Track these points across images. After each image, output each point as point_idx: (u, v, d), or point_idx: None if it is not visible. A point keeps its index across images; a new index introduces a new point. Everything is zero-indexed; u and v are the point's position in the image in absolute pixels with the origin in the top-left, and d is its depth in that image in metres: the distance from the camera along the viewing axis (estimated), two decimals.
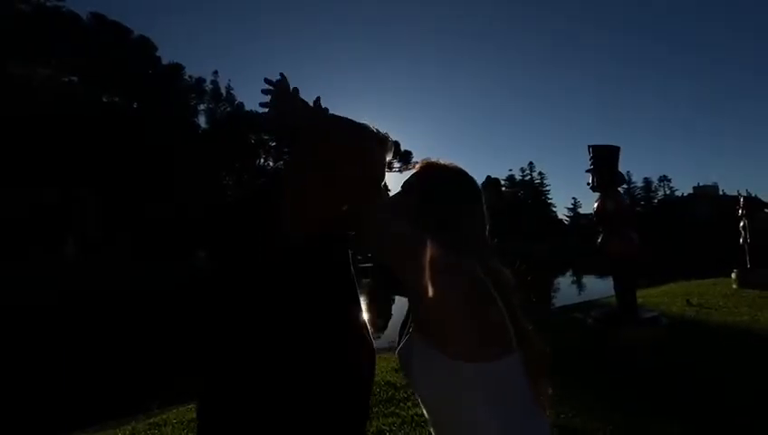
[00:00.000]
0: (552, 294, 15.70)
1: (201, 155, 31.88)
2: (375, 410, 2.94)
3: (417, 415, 2.78)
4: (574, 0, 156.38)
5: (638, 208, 63.45)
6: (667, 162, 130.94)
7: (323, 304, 0.84)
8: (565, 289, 17.59)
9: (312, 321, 0.81)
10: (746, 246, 8.96)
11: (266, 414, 0.78)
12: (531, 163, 72.29)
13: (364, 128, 0.87)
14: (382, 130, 0.89)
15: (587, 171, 4.64)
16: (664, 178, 71.96)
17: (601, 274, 14.61)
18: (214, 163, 33.57)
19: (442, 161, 0.93)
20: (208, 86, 42.09)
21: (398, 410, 2.93)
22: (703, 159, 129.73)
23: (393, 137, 0.94)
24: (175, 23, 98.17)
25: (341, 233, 0.91)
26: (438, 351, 0.75)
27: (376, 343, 0.93)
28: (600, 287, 12.83)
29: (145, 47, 34.63)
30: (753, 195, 9.69)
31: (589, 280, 19.12)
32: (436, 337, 0.76)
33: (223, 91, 43.30)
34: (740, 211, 9.36)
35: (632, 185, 68.10)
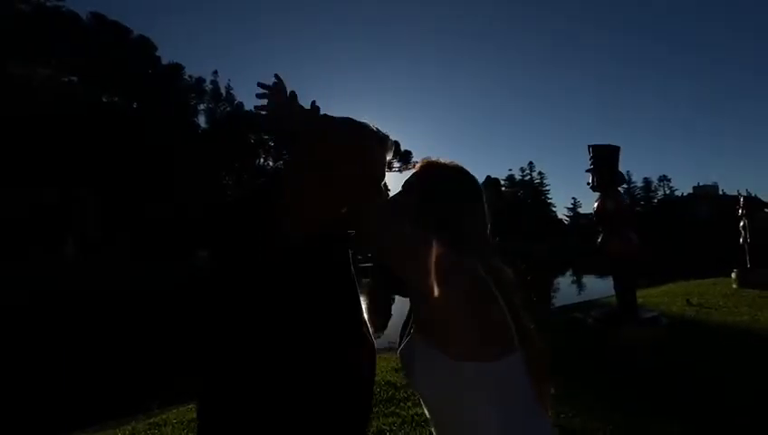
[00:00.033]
0: (552, 294, 15.70)
1: (201, 155, 31.89)
2: (375, 409, 2.93)
3: (417, 415, 2.78)
4: (574, 0, 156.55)
5: (638, 208, 63.43)
6: (667, 162, 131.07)
7: (323, 303, 0.84)
8: (565, 289, 17.59)
9: (313, 321, 0.81)
10: (746, 246, 8.96)
11: (267, 414, 0.78)
12: (530, 163, 72.34)
13: (364, 127, 0.87)
14: (382, 130, 0.89)
15: (587, 171, 4.64)
16: (664, 178, 71.99)
17: (601, 273, 14.61)
18: (213, 163, 33.58)
19: (442, 160, 0.93)
20: (208, 86, 42.15)
21: (398, 410, 2.93)
22: (703, 158, 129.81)
23: (393, 137, 0.94)
24: (175, 23, 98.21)
25: (341, 233, 0.91)
26: (440, 351, 0.75)
27: (376, 343, 0.93)
28: (599, 287, 12.83)
29: (145, 47, 34.63)
30: (753, 195, 9.69)
31: (589, 280, 19.12)
32: (438, 337, 0.76)
33: (222, 90, 43.36)
34: (740, 211, 9.36)
35: (632, 185, 68.14)
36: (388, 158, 0.92)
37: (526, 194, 67.36)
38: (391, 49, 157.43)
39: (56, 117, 23.98)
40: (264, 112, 0.97)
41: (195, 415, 0.88)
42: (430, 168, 0.92)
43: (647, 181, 71.46)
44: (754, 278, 8.12)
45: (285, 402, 0.78)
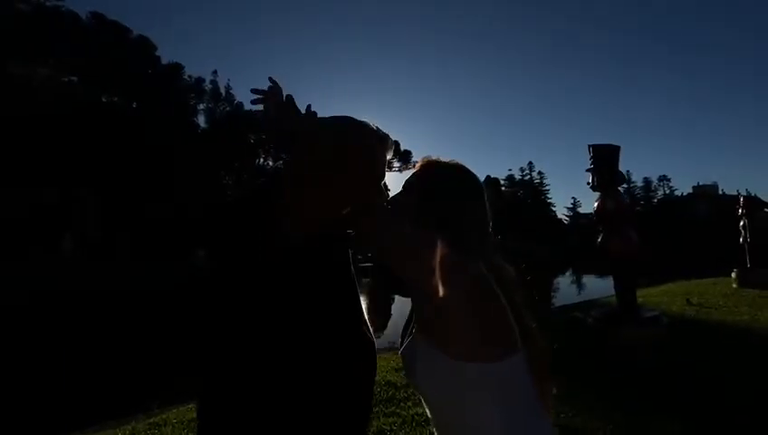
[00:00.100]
0: (552, 293, 15.70)
1: (201, 155, 31.87)
2: (375, 409, 2.93)
3: (417, 414, 2.78)
4: (574, 0, 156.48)
5: (638, 208, 63.38)
6: (667, 162, 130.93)
7: (324, 303, 0.84)
8: (565, 289, 17.61)
9: (313, 321, 0.81)
10: (746, 246, 8.96)
11: (267, 414, 0.78)
12: (530, 163, 72.21)
13: (364, 126, 0.86)
14: (382, 130, 0.88)
15: (587, 171, 4.64)
16: (664, 178, 71.88)
17: (601, 273, 14.61)
18: (213, 163, 33.56)
19: (443, 159, 0.93)
20: (208, 86, 42.06)
21: (398, 410, 2.93)
22: (703, 158, 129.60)
23: (393, 137, 0.93)
24: (174, 22, 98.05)
25: (341, 233, 0.91)
26: (441, 351, 0.75)
27: (376, 343, 0.93)
28: (599, 287, 12.83)
29: (144, 47, 34.60)
30: (753, 194, 9.70)
31: (589, 279, 19.14)
32: (439, 337, 0.76)
33: (222, 90, 43.27)
34: (740, 211, 9.36)
35: (632, 184, 68.04)
36: (389, 157, 0.91)
37: (526, 194, 67.29)
38: (391, 49, 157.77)
39: (56, 117, 23.97)
40: (261, 108, 0.97)
41: (195, 415, 0.88)
42: (430, 167, 0.92)
43: (646, 181, 71.45)
44: (754, 278, 8.12)
45: (285, 402, 0.78)
